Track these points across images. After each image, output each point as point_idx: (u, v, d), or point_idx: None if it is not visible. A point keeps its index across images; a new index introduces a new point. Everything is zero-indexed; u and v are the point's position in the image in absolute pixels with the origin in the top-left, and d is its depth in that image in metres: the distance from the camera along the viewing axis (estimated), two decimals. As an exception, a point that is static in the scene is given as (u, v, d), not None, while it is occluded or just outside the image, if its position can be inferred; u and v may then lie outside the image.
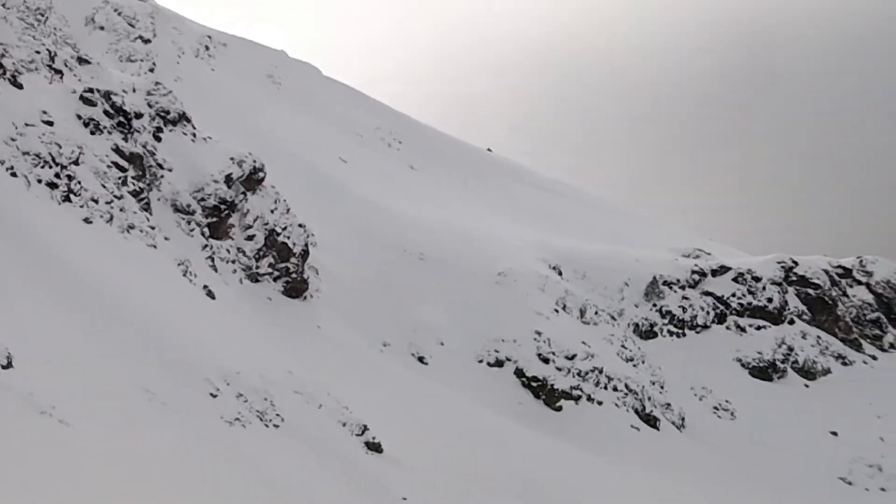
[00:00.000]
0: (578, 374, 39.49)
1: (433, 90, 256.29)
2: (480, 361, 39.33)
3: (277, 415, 22.05)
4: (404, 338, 38.11)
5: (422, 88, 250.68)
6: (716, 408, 44.87)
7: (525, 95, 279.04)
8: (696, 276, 55.21)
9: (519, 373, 38.96)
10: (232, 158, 36.74)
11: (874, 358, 55.45)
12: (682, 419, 41.69)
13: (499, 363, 39.20)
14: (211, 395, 21.24)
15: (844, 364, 53.28)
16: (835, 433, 44.98)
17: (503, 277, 43.55)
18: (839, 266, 60.37)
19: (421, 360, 37.88)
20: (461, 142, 74.80)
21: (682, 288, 54.03)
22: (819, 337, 54.18)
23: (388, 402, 28.98)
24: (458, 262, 44.19)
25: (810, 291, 56.61)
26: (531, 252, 48.98)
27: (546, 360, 39.48)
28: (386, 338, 37.47)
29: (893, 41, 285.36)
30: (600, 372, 40.15)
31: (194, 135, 36.78)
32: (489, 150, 77.57)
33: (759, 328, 53.13)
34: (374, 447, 23.30)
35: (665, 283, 53.65)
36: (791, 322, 54.50)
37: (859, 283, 60.10)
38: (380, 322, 38.17)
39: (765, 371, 50.04)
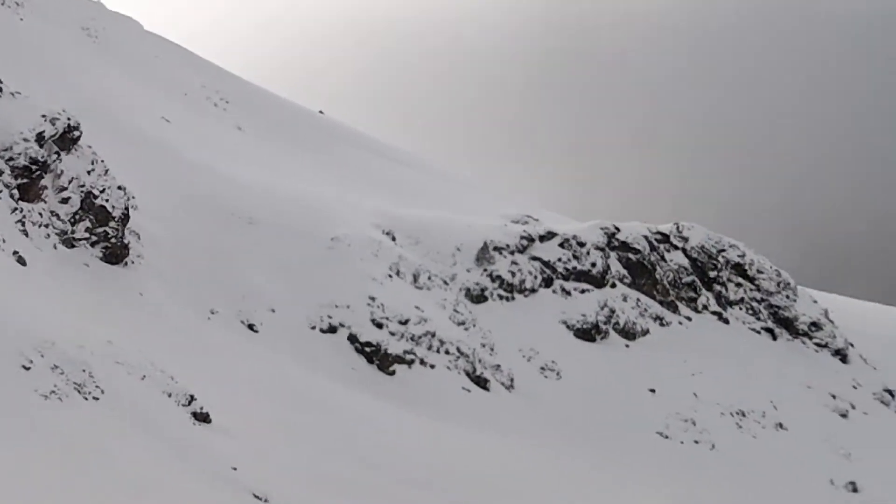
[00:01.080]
0: (412, 339, 39.94)
1: (262, 50, 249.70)
2: (313, 328, 39.02)
3: (97, 387, 21.01)
4: (233, 305, 37.23)
5: (250, 47, 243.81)
6: (543, 368, 46.55)
7: (359, 60, 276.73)
8: (525, 242, 56.89)
9: (352, 338, 38.95)
10: (44, 116, 34.47)
11: (689, 319, 59.08)
12: (511, 380, 43.00)
13: (332, 329, 39.04)
14: (23, 367, 19.98)
15: (662, 325, 56.51)
16: (653, 390, 47.70)
17: (336, 243, 43.28)
18: (658, 232, 63.73)
19: (251, 327, 37.14)
20: (291, 103, 73.46)
21: (512, 253, 55.52)
22: (639, 299, 57.15)
23: (215, 372, 28.26)
24: (289, 227, 43.52)
25: (631, 256, 59.52)
26: (364, 217, 48.90)
27: (380, 326, 39.67)
28: (213, 305, 36.45)
29: (719, 22, 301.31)
30: (433, 336, 40.74)
31: (0, 90, 34.26)
32: (321, 112, 76.59)
33: (583, 291, 55.42)
34: (202, 417, 22.68)
35: (496, 248, 54.95)
36: (613, 286, 57.17)
37: (676, 248, 63.70)
38: (207, 289, 37.09)
39: (588, 332, 52.33)
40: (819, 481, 42.92)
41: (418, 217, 53.73)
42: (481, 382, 40.65)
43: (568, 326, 52.26)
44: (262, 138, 60.30)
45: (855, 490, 42.96)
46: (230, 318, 36.39)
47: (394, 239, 48.81)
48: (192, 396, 22.96)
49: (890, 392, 60.95)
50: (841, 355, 62.79)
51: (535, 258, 56.26)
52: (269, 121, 64.49)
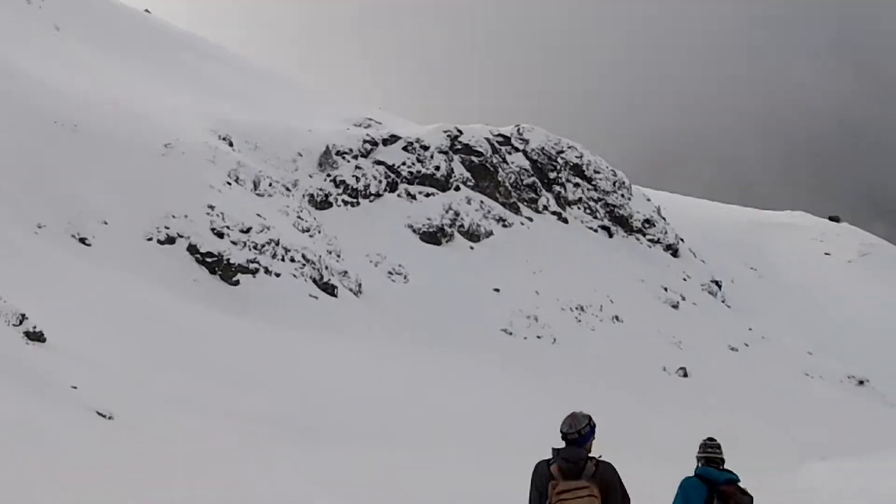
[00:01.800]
0: (255, 248, 39.26)
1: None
2: (150, 239, 37.60)
3: (-86, 309, 19.67)
4: (62, 218, 35.23)
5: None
6: (390, 272, 46.98)
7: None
8: (368, 146, 56.57)
9: (193, 249, 37.88)
10: None
11: (530, 220, 60.80)
12: (359, 285, 43.18)
13: (170, 240, 37.79)
14: None
15: (505, 226, 57.91)
16: (497, 290, 49.08)
17: (170, 150, 41.59)
18: (499, 134, 64.76)
19: (83, 241, 35.35)
20: (114, 0, 69.00)
21: (355, 157, 55.13)
22: (482, 202, 58.21)
23: (47, 288, 26.88)
24: (117, 135, 41.38)
25: (474, 159, 60.28)
26: (199, 123, 47.14)
27: (220, 235, 38.73)
28: (40, 219, 34.37)
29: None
30: (277, 244, 40.19)
31: None
32: (147, 11, 72.44)
33: (428, 195, 55.91)
34: (36, 337, 21.64)
35: (338, 152, 54.40)
36: (457, 189, 57.91)
37: (517, 150, 64.98)
38: (32, 202, 34.88)
39: (434, 235, 53.07)
40: (653, 369, 45.82)
41: (256, 122, 52.33)
42: (329, 289, 40.60)
43: (414, 230, 52.78)
44: (82, 39, 56.54)
45: (685, 375, 46.11)
46: (59, 233, 34.49)
47: (231, 145, 47.42)
48: (23, 315, 21.82)
49: (717, 283, 65.34)
50: (672, 250, 66.53)
51: (378, 162, 56.10)
52: (91, 20, 60.45)
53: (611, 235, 64.68)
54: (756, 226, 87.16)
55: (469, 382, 32.29)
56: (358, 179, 53.78)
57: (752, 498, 7.10)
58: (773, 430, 37.44)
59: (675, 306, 57.85)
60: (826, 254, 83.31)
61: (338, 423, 22.66)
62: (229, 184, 41.91)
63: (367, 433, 22.10)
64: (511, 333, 45.56)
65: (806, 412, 43.30)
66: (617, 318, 51.81)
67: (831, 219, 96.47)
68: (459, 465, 18.35)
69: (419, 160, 57.38)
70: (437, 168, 57.40)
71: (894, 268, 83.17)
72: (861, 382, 55.98)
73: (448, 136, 60.27)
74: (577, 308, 51.14)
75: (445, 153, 58.71)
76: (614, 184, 67.56)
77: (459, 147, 60.35)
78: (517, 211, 60.68)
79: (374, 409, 25.19)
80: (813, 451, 30.07)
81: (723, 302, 63.82)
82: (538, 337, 46.19)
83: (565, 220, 63.44)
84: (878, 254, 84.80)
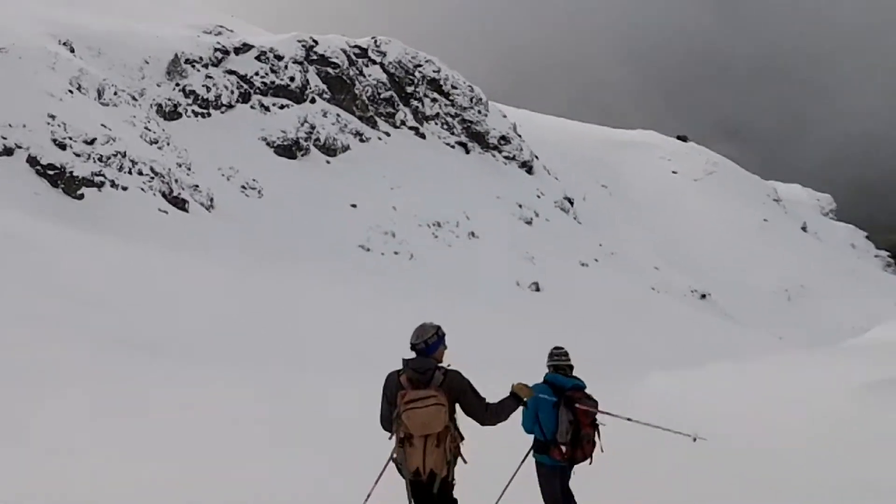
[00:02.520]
0: (100, 160, 37.98)
1: None
2: (-17, 150, 35.83)
3: None
4: None
5: None
6: (244, 187, 46.46)
7: None
8: (220, 55, 55.08)
9: (32, 161, 36.32)
10: None
11: (388, 135, 61.04)
12: (211, 200, 42.54)
13: (7, 151, 36.08)
14: None
15: (362, 141, 57.97)
16: (354, 205, 49.41)
17: (4, 55, 39.31)
18: (356, 46, 64.14)
19: None
20: None
21: (206, 66, 53.64)
22: (339, 115, 57.94)
23: None
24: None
25: (330, 70, 59.67)
26: (35, 27, 44.60)
27: (63, 146, 37.25)
28: None
29: None
30: (124, 156, 39.00)
31: None
32: None
33: (282, 107, 55.18)
34: None
35: (187, 61, 52.75)
36: (313, 101, 57.37)
37: (374, 62, 64.64)
38: None
39: (289, 149, 52.63)
40: (507, 283, 47.45)
41: (98, 27, 49.90)
42: (179, 203, 39.84)
43: (268, 143, 52.15)
44: None
45: (538, 289, 48.08)
46: None
47: (73, 51, 45.20)
48: None
49: (569, 200, 67.68)
50: (527, 167, 68.29)
51: (230, 72, 54.77)
52: None
53: (467, 152, 65.76)
54: (608, 144, 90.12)
55: (325, 298, 32.59)
56: (209, 89, 52.45)
57: (597, 402, 7.46)
58: (621, 341, 39.52)
59: (529, 222, 59.74)
60: (674, 172, 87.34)
61: (190, 340, 22.63)
62: (71, 92, 40.10)
63: (219, 349, 22.11)
64: (368, 249, 46.12)
65: (652, 325, 45.96)
66: (473, 234, 53.17)
67: (679, 138, 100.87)
68: (313, 378, 18.75)
69: (273, 70, 56.38)
70: (292, 79, 56.61)
71: (738, 185, 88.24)
72: (703, 296, 59.84)
73: (303, 45, 59.35)
74: (434, 224, 52.12)
75: (300, 64, 57.89)
76: (472, 100, 68.36)
77: (315, 58, 59.58)
78: (374, 125, 60.75)
79: (228, 325, 25.18)
80: (658, 362, 32.03)
81: (575, 219, 66.26)
82: (395, 253, 46.98)
83: (423, 136, 63.99)
84: (722, 172, 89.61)
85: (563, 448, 7.33)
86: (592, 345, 35.74)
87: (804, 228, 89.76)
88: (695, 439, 7.49)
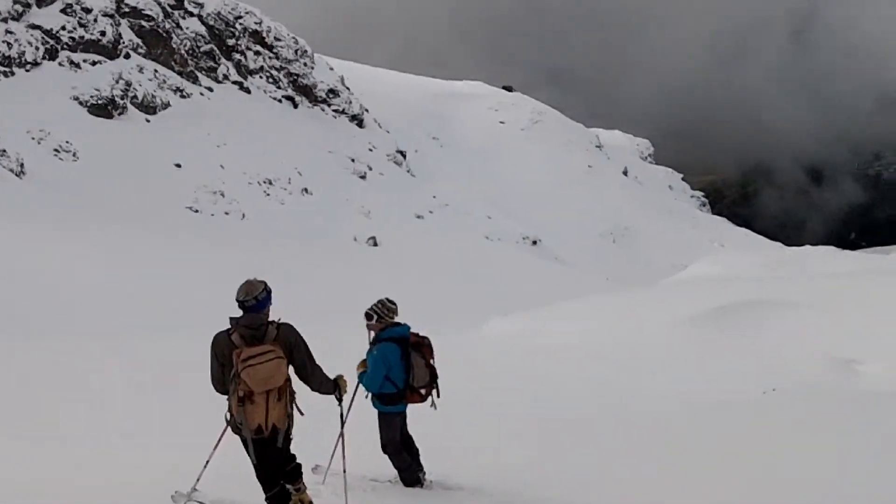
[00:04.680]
0: None
1: None
2: None
3: None
4: None
5: None
6: (57, 150, 43.26)
7: None
8: (20, 7, 50.77)
9: None
10: None
11: (210, 90, 58.46)
12: (21, 165, 39.37)
13: None
14: None
15: (183, 97, 55.24)
16: (179, 165, 47.10)
17: None
18: (171, -4, 60.85)
19: None
20: None
21: (5, 21, 49.35)
22: (156, 71, 54.90)
23: None
24: None
25: (144, 24, 56.30)
26: None
27: None
28: None
29: None
30: (-85, 120, 35.41)
31: None
32: None
33: (94, 63, 51.69)
34: None
35: (-16, 14, 48.40)
36: (127, 56, 54.06)
37: (192, 14, 61.57)
38: None
39: (105, 108, 49.43)
40: (344, 238, 46.70)
41: None
42: (-16, 170, 36.68)
43: (81, 103, 48.72)
44: None
45: (375, 244, 47.58)
46: None
47: None
48: None
49: (402, 153, 67.31)
50: (358, 120, 67.31)
51: (34, 26, 50.60)
52: None
53: (295, 106, 64.07)
54: (437, 96, 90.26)
55: (153, 263, 30.91)
56: (10, 46, 48.33)
57: (429, 338, 7.64)
58: (459, 290, 39.75)
59: (363, 177, 59.01)
60: (501, 122, 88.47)
61: (12, 311, 20.96)
62: None
63: (37, 320, 20.69)
64: (197, 211, 44.17)
65: (488, 272, 46.42)
66: (306, 190, 51.96)
67: (505, 88, 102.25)
68: (140, 345, 17.69)
69: (81, 24, 52.57)
70: (103, 34, 53.02)
71: (562, 133, 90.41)
72: (535, 242, 61.06)
73: (113, -3, 55.60)
74: (265, 181, 50.56)
75: (111, 17, 54.25)
76: (297, 52, 66.51)
77: (127, 10, 56.01)
78: (196, 81, 58.02)
79: (44, 295, 23.51)
80: (495, 308, 32.41)
81: (408, 171, 66.06)
82: (226, 213, 45.25)
83: (248, 90, 61.76)
84: (547, 121, 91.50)
85: (423, 391, 7.47)
86: (431, 295, 35.76)
87: (625, 173, 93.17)
88: (434, 406, 7.61)
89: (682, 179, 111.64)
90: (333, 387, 6.54)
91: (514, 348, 19.63)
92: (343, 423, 7.09)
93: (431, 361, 7.63)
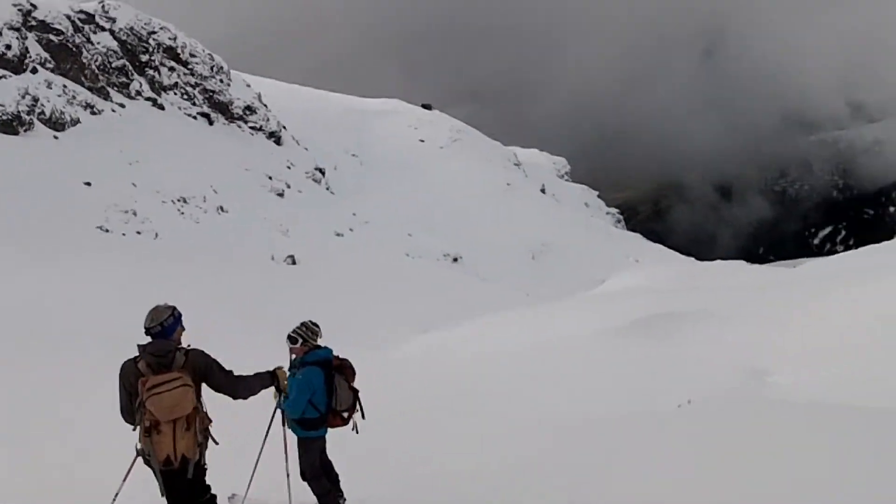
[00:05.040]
0: None
1: None
2: None
3: None
4: None
5: None
6: (-42, 168, 41.55)
7: None
8: (-82, 19, 48.85)
9: None
10: None
11: (122, 106, 57.03)
12: (-81, 184, 37.65)
13: None
14: None
15: (94, 113, 53.74)
16: (88, 183, 45.67)
17: None
18: (81, 11, 59.34)
19: None
20: None
21: None
22: (65, 86, 53.31)
23: None
24: None
25: (52, 38, 54.67)
26: None
27: None
28: None
29: None
30: None
31: None
32: None
33: (-1, 78, 49.91)
34: None
35: None
36: (34, 71, 52.36)
37: (103, 29, 60.09)
38: None
39: (10, 124, 47.68)
40: (262, 257, 45.91)
41: None
42: None
43: (-16, 118, 46.94)
44: None
45: (294, 262, 46.86)
46: None
47: None
48: None
49: (321, 170, 66.73)
50: (275, 138, 66.53)
51: (-68, 39, 48.74)
52: None
53: (211, 123, 63.01)
54: (355, 113, 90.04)
55: (61, 285, 29.85)
56: None
57: (349, 360, 7.57)
58: (381, 308, 39.47)
59: (281, 194, 58.27)
60: (421, 140, 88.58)
61: None
62: None
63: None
64: (108, 230, 42.83)
65: (409, 290, 46.21)
66: (222, 208, 50.98)
67: (424, 106, 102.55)
68: (50, 373, 16.98)
69: (-19, 38, 50.75)
70: (9, 47, 51.23)
71: (481, 151, 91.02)
72: (456, 259, 61.07)
73: (20, 10, 53.84)
74: (179, 200, 49.41)
75: (17, 30, 52.48)
76: (212, 68, 65.50)
77: (34, 24, 54.30)
78: (107, 97, 56.56)
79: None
80: (418, 325, 32.28)
81: (327, 189, 65.51)
82: (138, 233, 44.00)
83: (161, 107, 60.47)
84: (466, 139, 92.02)
85: (346, 414, 7.39)
86: (353, 314, 35.40)
87: (543, 190, 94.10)
88: (356, 430, 7.55)
89: (598, 197, 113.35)
90: (271, 378, 6.48)
91: (436, 363, 19.53)
92: (266, 436, 7.05)
93: (353, 384, 7.53)
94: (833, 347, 15.23)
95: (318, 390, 7.19)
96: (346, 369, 7.43)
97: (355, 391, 7.45)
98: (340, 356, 7.54)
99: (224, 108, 64.67)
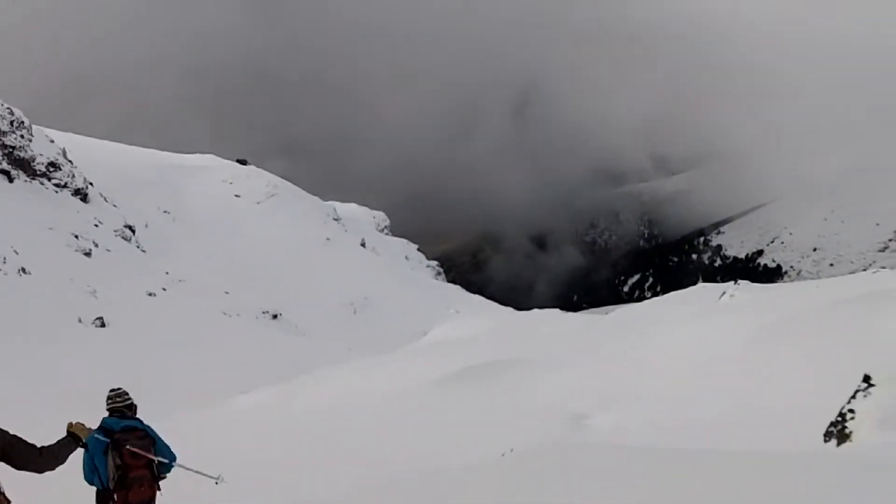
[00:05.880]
0: None
1: None
2: None
3: None
4: None
5: None
6: None
7: None
8: None
9: None
10: None
11: None
12: None
13: None
14: None
15: None
16: None
17: None
18: None
19: None
20: None
21: None
22: None
23: None
24: None
25: None
26: None
27: None
28: None
29: None
30: None
31: None
32: None
33: None
34: None
35: None
36: None
37: None
38: None
39: None
40: (68, 320, 43.79)
41: None
42: None
43: None
44: None
45: (103, 325, 44.98)
46: None
47: None
48: None
49: (130, 228, 64.53)
50: (81, 195, 63.88)
51: None
52: None
53: (11, 180, 59.85)
54: (167, 169, 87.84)
55: None
56: None
57: (153, 440, 7.13)
58: (198, 368, 38.54)
59: (88, 254, 55.93)
60: (237, 196, 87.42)
61: None
62: None
63: None
64: None
65: (228, 349, 45.32)
66: (24, 269, 48.35)
67: (239, 161, 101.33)
68: None
69: None
70: None
71: (299, 206, 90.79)
72: (275, 316, 60.35)
73: None
74: (-25, 262, 46.55)
75: None
76: (12, 123, 62.42)
77: None
78: None
79: None
80: (237, 384, 31.70)
81: (138, 247, 63.44)
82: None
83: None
84: (283, 194, 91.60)
85: (116, 496, 6.81)
86: (167, 375, 34.40)
87: (363, 244, 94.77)
88: (217, 482, 7.36)
89: (418, 250, 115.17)
90: (71, 440, 6.16)
91: (256, 421, 19.34)
92: None
93: (130, 461, 6.94)
94: (648, 391, 16.15)
95: (99, 459, 6.83)
96: (125, 450, 6.86)
97: (125, 469, 6.87)
98: (137, 433, 7.07)
99: (25, 165, 61.62)
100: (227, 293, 60.55)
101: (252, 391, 26.98)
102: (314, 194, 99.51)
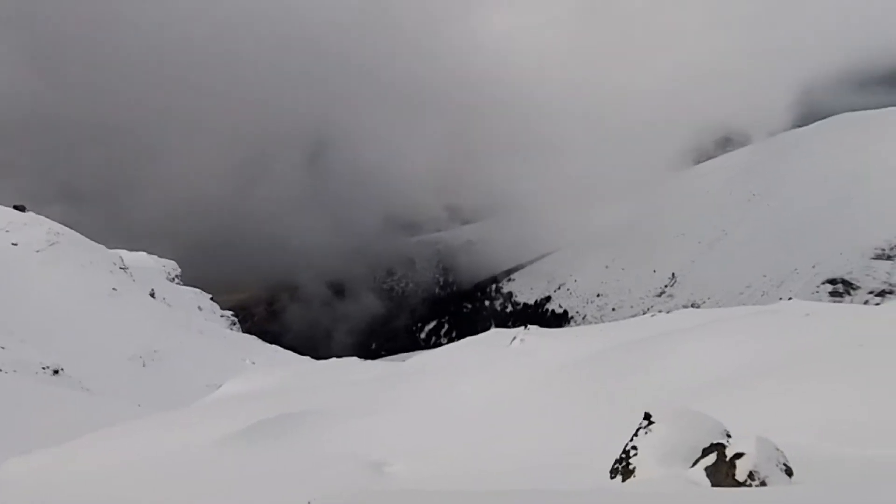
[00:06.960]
0: None
1: None
2: None
3: None
4: None
5: None
6: None
7: None
8: None
9: None
10: None
11: None
12: None
13: None
14: None
15: None
16: None
17: None
18: None
19: None
20: None
21: None
22: None
23: None
24: None
25: None
26: None
27: None
28: None
29: None
30: None
31: None
32: None
33: None
34: None
35: None
36: None
37: None
38: None
39: None
40: None
41: None
42: None
43: None
44: None
45: None
46: None
47: None
48: None
49: None
50: None
51: None
52: None
53: None
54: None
55: None
56: None
57: None
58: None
59: None
60: (14, 244, 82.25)
61: None
62: None
63: None
64: None
65: (2, 409, 42.34)
66: None
67: (17, 208, 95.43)
68: None
69: None
70: None
71: (83, 255, 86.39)
72: (56, 372, 56.88)
73: None
74: None
75: None
76: None
77: None
78: None
79: None
80: (11, 449, 29.69)
81: None
82: None
83: None
84: (66, 242, 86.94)
85: None
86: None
87: (153, 294, 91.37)
88: None
89: (212, 300, 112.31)
90: None
91: (37, 488, 18.26)
92: None
93: None
94: (447, 437, 16.58)
95: None
96: None
97: None
98: None
99: None
100: (2, 348, 56.63)
101: (30, 453, 25.39)
102: (99, 242, 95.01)
